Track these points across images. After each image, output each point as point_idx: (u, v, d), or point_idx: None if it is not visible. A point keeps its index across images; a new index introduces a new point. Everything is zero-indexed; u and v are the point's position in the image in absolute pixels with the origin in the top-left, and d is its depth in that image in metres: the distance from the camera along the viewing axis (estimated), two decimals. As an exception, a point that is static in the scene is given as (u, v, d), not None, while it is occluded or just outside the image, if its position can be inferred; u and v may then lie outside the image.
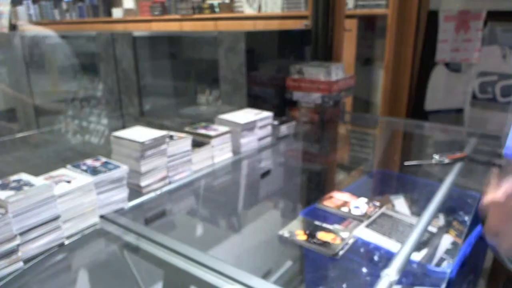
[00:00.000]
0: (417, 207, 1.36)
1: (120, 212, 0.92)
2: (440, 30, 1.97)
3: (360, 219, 1.15)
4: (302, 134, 1.63)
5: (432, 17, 1.98)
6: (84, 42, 2.88)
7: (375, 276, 0.70)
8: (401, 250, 0.77)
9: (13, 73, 2.84)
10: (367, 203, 1.17)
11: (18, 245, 0.72)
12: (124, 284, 0.98)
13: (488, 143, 1.46)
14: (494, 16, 1.85)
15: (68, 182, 0.83)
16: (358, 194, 1.49)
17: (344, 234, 1.05)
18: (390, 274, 0.68)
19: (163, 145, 1.04)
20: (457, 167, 1.18)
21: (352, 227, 1.27)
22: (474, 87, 1.92)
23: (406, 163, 1.34)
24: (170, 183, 1.08)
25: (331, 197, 1.22)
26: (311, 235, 0.98)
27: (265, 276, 1.22)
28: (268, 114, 1.39)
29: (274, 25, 3.41)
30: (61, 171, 0.89)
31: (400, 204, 1.37)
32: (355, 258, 1.08)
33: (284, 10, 3.52)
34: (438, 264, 1.08)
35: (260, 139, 1.37)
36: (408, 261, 0.75)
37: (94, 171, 0.89)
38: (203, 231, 1.23)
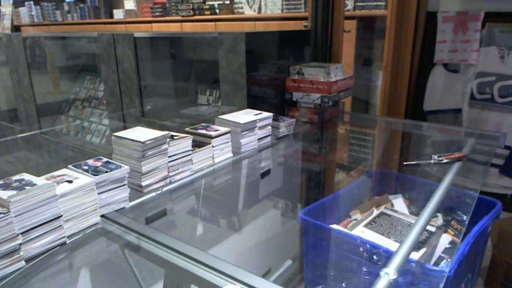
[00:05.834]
0: (416, 207, 1.37)
1: (121, 211, 0.93)
2: (438, 31, 1.98)
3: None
4: (302, 134, 1.64)
5: (431, 18, 1.99)
6: (86, 43, 2.89)
7: (374, 275, 0.70)
8: (400, 249, 0.77)
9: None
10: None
11: (20, 244, 0.73)
12: (125, 282, 0.99)
13: (486, 143, 1.47)
14: (492, 17, 1.85)
15: (70, 182, 0.83)
16: (357, 194, 1.49)
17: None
18: (389, 273, 0.68)
19: (164, 145, 1.04)
20: (455, 167, 1.18)
21: (352, 227, 1.28)
22: (472, 87, 1.93)
23: (405, 163, 1.35)
24: (170, 182, 1.08)
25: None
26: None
27: (265, 275, 1.23)
28: (267, 114, 1.39)
29: (274, 26, 3.41)
30: (62, 171, 0.89)
31: (399, 203, 1.38)
32: (354, 257, 1.09)
33: (284, 11, 3.52)
34: (437, 263, 1.09)
35: (260, 139, 1.37)
36: (407, 260, 0.75)
37: (95, 171, 0.90)
38: (203, 230, 1.23)
